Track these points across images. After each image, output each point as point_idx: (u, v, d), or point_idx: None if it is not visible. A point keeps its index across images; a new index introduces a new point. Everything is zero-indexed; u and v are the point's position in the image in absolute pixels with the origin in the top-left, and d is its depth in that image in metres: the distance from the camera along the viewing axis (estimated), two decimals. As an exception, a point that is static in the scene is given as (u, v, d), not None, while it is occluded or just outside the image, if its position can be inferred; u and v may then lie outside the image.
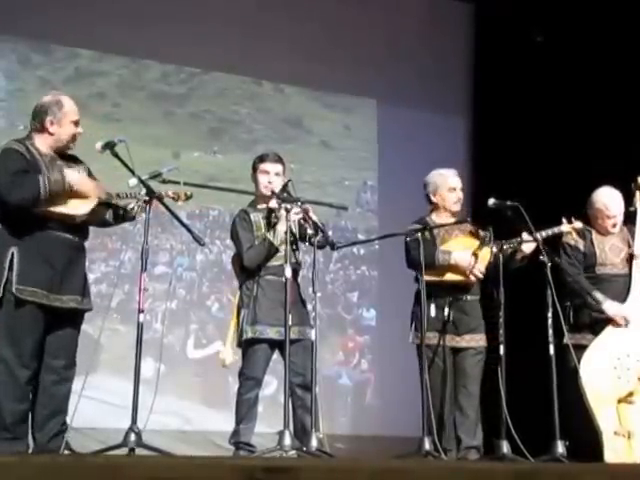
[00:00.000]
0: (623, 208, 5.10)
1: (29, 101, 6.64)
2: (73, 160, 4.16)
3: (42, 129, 4.04)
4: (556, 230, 4.91)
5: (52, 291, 3.90)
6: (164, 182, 4.12)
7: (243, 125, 7.42)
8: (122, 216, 4.15)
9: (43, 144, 4.04)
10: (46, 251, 3.90)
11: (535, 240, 4.74)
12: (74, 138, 4.08)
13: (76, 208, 3.97)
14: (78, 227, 4.03)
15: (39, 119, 4.04)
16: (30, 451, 3.87)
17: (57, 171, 3.94)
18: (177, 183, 4.18)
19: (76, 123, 4.08)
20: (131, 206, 4.10)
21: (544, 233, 4.84)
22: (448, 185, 4.99)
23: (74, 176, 3.95)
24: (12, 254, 3.86)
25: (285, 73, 7.45)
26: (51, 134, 4.04)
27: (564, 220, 4.97)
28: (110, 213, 4.17)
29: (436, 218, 4.99)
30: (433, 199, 5.00)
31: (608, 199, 5.08)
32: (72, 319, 4.00)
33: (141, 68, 7.19)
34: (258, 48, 7.17)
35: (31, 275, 3.85)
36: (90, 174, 4.15)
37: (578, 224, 4.97)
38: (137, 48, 7.00)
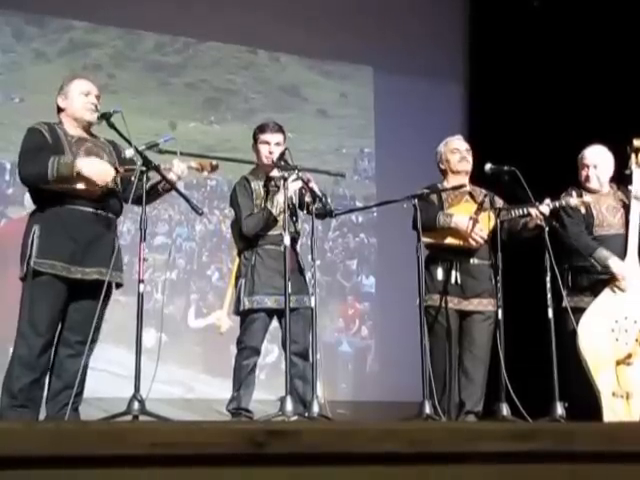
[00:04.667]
0: (607, 164, 5.14)
1: (25, 74, 6.69)
2: (103, 141, 4.20)
3: (59, 108, 4.12)
4: (563, 203, 4.91)
5: (73, 263, 3.93)
6: (161, 152, 4.12)
7: (239, 94, 7.41)
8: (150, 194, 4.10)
9: (69, 125, 4.10)
10: (69, 225, 3.94)
11: (541, 213, 4.72)
12: (87, 107, 4.10)
13: (88, 186, 3.97)
14: (105, 201, 4.04)
15: (56, 100, 4.13)
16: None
17: (72, 153, 3.98)
18: (174, 153, 4.17)
19: (86, 94, 4.11)
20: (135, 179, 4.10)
21: (551, 205, 4.83)
22: (450, 147, 5.02)
23: (85, 163, 3.93)
24: (34, 231, 3.93)
25: (281, 41, 7.43)
26: (63, 109, 4.11)
27: (574, 193, 4.97)
28: (140, 191, 4.11)
29: (447, 184, 5.01)
30: (442, 166, 5.05)
31: (588, 150, 5.16)
32: (95, 293, 3.96)
33: (135, 39, 7.17)
34: (253, 17, 7.15)
35: (51, 249, 3.90)
36: (116, 152, 4.18)
37: (588, 198, 4.96)
38: (131, 19, 6.97)
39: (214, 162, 4.26)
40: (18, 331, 3.93)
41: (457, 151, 5.01)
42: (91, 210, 4.00)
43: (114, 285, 4.09)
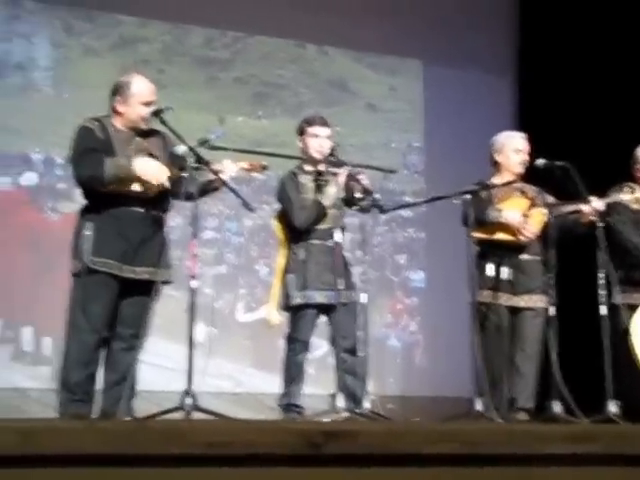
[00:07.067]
0: None
1: (75, 69, 6.75)
2: (153, 134, 4.20)
3: (114, 108, 4.13)
4: (616, 198, 4.83)
5: (125, 263, 4.01)
6: (212, 149, 4.12)
7: (288, 89, 7.40)
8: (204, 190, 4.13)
9: (118, 122, 4.12)
10: (121, 226, 4.01)
11: (593, 208, 4.65)
12: (145, 118, 4.11)
13: (144, 187, 4.02)
14: (155, 201, 4.09)
15: (111, 99, 4.13)
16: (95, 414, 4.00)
17: (126, 155, 4.00)
18: (225, 149, 4.18)
19: (147, 104, 4.09)
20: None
21: (603, 201, 4.75)
22: (514, 146, 4.92)
23: (140, 165, 3.98)
24: (88, 228, 4.00)
25: (328, 35, 7.41)
26: (120, 114, 4.11)
27: (626, 189, 4.89)
28: (195, 187, 4.06)
29: (497, 180, 4.92)
30: (497, 158, 4.93)
31: None
32: (146, 289, 4.04)
33: (184, 33, 7.19)
34: (301, 10, 7.14)
35: (105, 247, 3.98)
36: (166, 146, 4.17)
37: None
38: (180, 13, 7.00)
39: (264, 162, 4.29)
40: (71, 325, 4.02)
41: (520, 152, 4.91)
42: (143, 210, 4.06)
43: (160, 282, 4.11)
